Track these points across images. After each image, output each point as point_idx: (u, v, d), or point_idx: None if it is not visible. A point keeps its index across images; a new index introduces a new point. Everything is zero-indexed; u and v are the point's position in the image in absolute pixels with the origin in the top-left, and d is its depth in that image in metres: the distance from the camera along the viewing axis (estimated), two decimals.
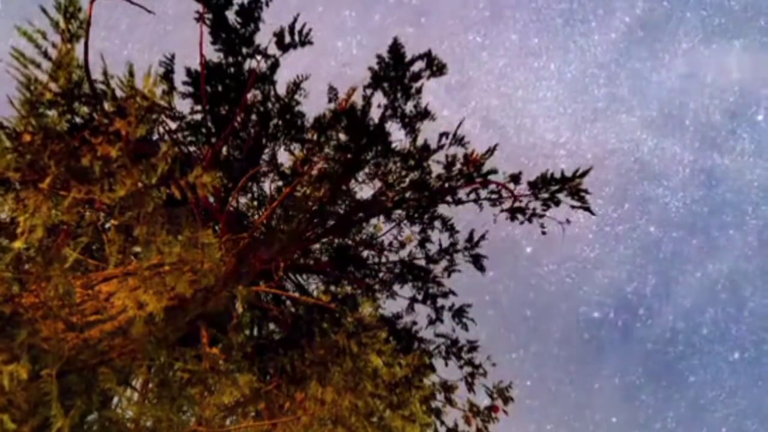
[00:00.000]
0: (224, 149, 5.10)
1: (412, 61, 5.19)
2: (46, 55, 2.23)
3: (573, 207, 5.01)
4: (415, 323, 6.01)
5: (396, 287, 6.34)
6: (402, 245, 6.40)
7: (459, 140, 5.37)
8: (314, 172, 5.73)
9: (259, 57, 4.76)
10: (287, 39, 4.72)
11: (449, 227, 6.15)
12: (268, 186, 5.88)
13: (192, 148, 5.09)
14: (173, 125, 4.87)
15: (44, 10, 2.21)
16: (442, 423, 5.13)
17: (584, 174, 4.84)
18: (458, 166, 5.44)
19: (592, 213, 4.95)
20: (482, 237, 6.08)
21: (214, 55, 4.67)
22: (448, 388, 5.19)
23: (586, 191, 4.85)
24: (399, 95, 5.34)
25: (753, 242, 24.76)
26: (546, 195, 5.14)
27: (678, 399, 25.85)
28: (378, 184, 5.87)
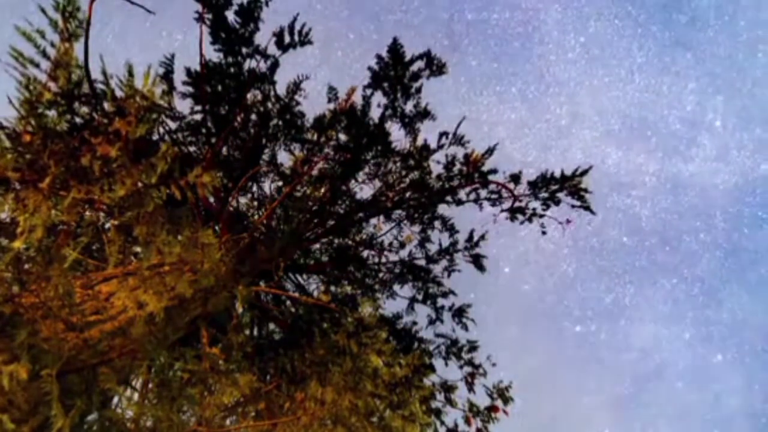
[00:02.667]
0: (224, 149, 5.10)
1: (412, 60, 5.19)
2: (45, 54, 2.23)
3: (573, 207, 5.01)
4: (415, 323, 6.01)
5: (396, 287, 6.34)
6: (402, 245, 6.39)
7: (459, 140, 5.36)
8: (314, 172, 5.73)
9: (258, 57, 4.76)
10: (287, 39, 4.73)
11: (449, 227, 6.14)
12: (268, 186, 5.88)
13: (192, 148, 5.09)
14: (173, 125, 4.87)
15: (43, 10, 2.21)
16: (442, 423, 5.13)
17: (584, 173, 4.84)
18: (458, 166, 5.44)
19: (593, 212, 4.94)
20: (482, 237, 6.08)
21: (214, 55, 4.67)
22: (448, 388, 5.19)
23: (586, 190, 4.85)
24: (399, 95, 5.34)
25: (724, 244, 25.82)
26: (546, 194, 5.14)
27: (667, 405, 26.27)
28: (378, 184, 5.87)
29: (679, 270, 26.50)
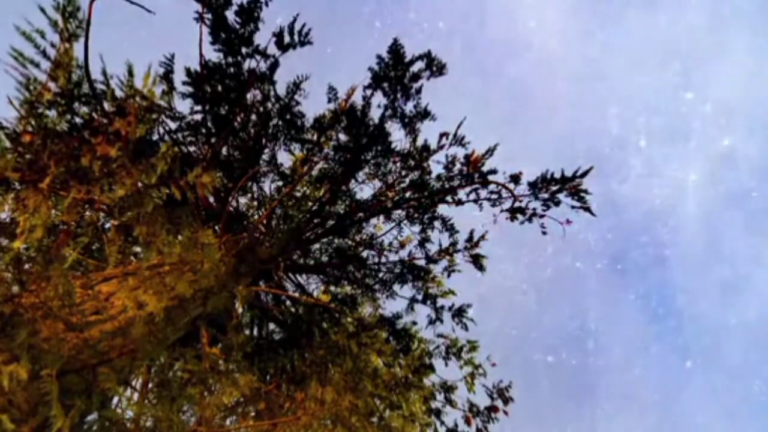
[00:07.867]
0: (224, 149, 5.10)
1: (412, 61, 5.19)
2: (45, 54, 2.23)
3: (573, 207, 5.01)
4: (415, 323, 6.01)
5: (396, 287, 6.34)
6: (402, 245, 6.39)
7: (459, 140, 5.36)
8: (314, 172, 5.73)
9: (258, 57, 4.75)
10: (287, 39, 4.72)
11: (449, 227, 6.14)
12: (268, 186, 5.88)
13: (192, 148, 5.08)
14: (173, 125, 4.87)
15: (43, 10, 2.21)
16: (442, 423, 5.14)
17: (584, 174, 4.84)
18: (458, 166, 5.44)
19: (593, 213, 4.94)
20: (482, 237, 6.08)
21: (214, 55, 4.67)
22: (448, 388, 5.19)
23: (586, 191, 4.85)
24: (399, 95, 5.34)
25: (672, 255, 26.98)
26: (546, 195, 5.14)
27: (650, 419, 26.56)
28: (378, 184, 5.87)
29: (634, 286, 27.76)
